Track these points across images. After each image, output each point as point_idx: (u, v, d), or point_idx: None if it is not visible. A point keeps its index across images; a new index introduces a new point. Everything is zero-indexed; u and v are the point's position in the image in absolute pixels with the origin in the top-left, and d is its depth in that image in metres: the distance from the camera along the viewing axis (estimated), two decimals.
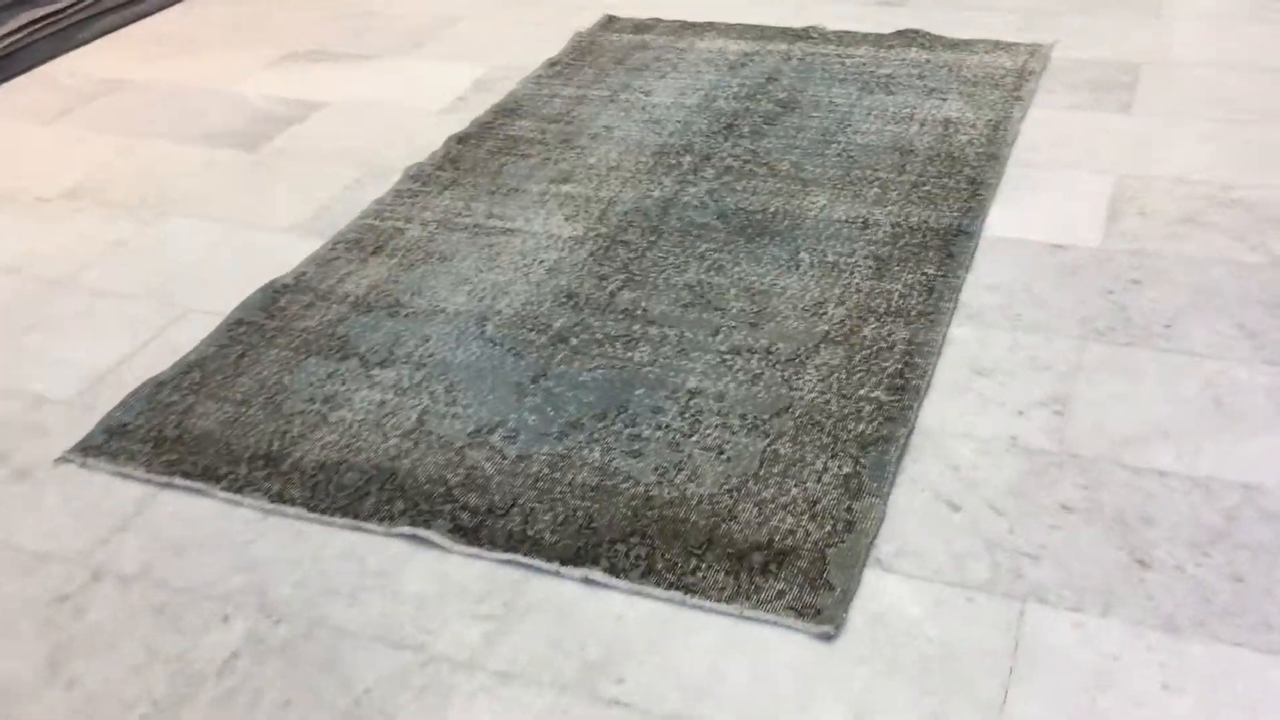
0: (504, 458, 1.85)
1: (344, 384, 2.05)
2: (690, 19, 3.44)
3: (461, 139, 2.86)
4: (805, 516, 1.69)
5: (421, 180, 2.70)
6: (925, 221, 2.36)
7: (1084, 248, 2.23)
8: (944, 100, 2.85)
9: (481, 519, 1.74)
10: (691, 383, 1.98)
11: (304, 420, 1.97)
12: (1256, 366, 1.89)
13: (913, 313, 2.10)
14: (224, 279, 2.39)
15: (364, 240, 2.48)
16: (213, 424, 1.98)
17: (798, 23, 3.35)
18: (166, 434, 1.97)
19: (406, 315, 2.22)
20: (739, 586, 1.59)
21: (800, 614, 1.54)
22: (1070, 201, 2.39)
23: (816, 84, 2.99)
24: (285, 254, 2.45)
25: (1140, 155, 2.53)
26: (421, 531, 1.73)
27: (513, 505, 1.76)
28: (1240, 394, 1.83)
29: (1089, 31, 3.15)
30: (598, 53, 3.28)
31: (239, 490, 1.84)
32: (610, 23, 3.46)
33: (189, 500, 1.83)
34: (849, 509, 1.69)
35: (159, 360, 2.15)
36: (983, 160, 2.57)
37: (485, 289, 2.28)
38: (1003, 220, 2.34)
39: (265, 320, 2.24)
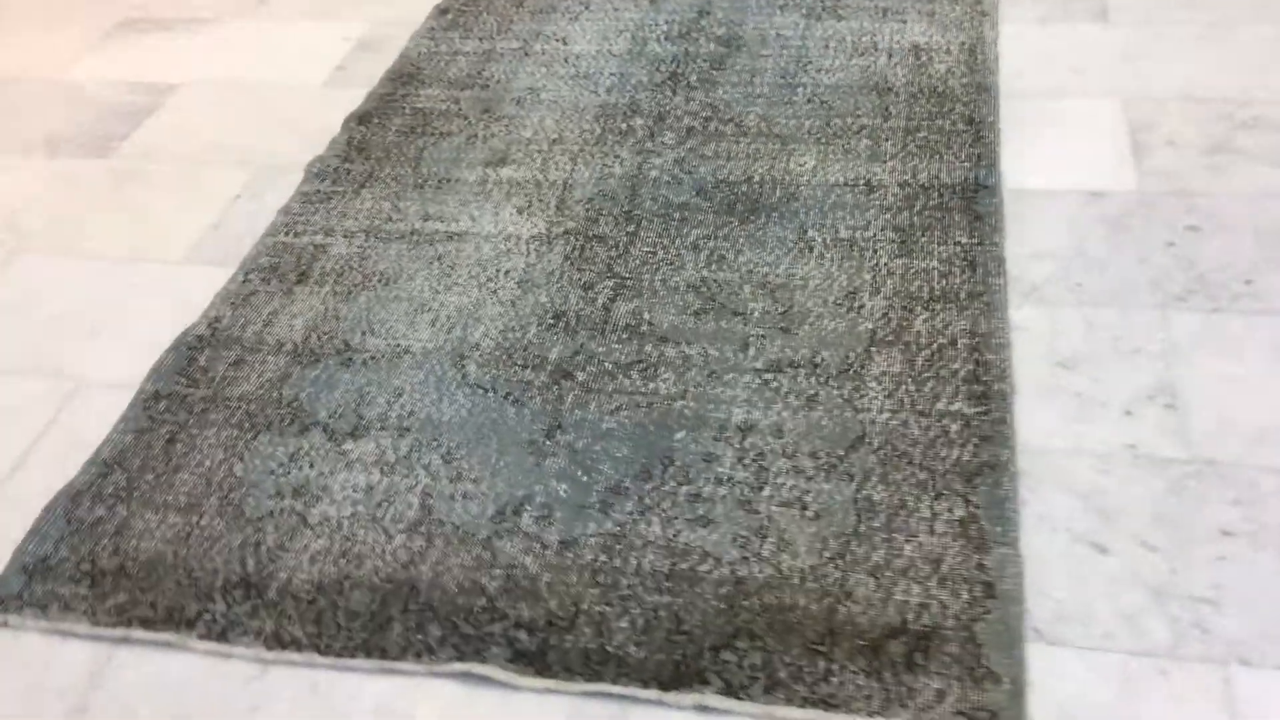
0: (544, 546, 1.52)
1: (313, 467, 1.67)
2: None
3: (362, 119, 2.43)
4: (932, 582, 1.42)
5: (329, 178, 2.27)
6: (936, 177, 2.08)
7: (1122, 193, 2.00)
8: (903, 22, 2.55)
9: (544, 637, 1.42)
10: (738, 416, 1.67)
11: (278, 524, 1.59)
12: None
13: (961, 295, 1.83)
14: (117, 335, 1.94)
15: (281, 265, 2.06)
16: (160, 544, 1.58)
17: None
18: (103, 566, 1.56)
19: (364, 362, 1.84)
20: (887, 692, 1.32)
21: None
22: (1085, 136, 2.14)
23: (755, 14, 2.65)
24: (186, 293, 2.01)
25: (1139, 72, 2.30)
26: (475, 667, 1.39)
27: (577, 613, 1.44)
28: None
29: None
30: None
31: (221, 636, 1.46)
32: None
33: (159, 658, 1.45)
34: (980, 565, 1.43)
35: (64, 460, 1.72)
36: (971, 93, 2.29)
37: (451, 316, 1.90)
38: (1020, 167, 2.08)
39: (188, 389, 1.82)
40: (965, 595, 1.40)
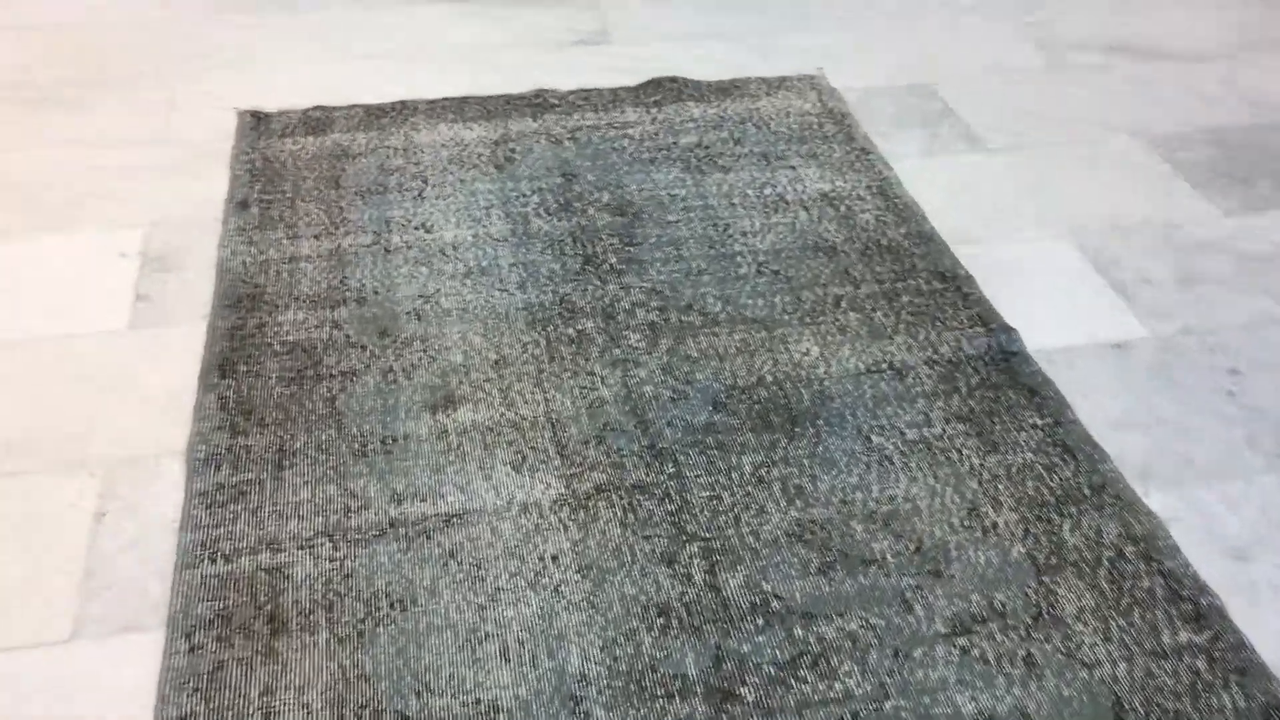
0: None
1: None
2: (364, 99, 2.57)
3: (222, 369, 1.85)
4: None
5: (226, 463, 1.69)
6: (958, 349, 1.90)
7: (1139, 341, 1.93)
8: (793, 169, 2.36)
9: None
10: (967, 707, 1.38)
11: None
12: None
13: (1085, 490, 1.65)
14: None
15: (233, 612, 1.49)
16: None
17: (508, 85, 2.63)
18: None
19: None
20: None
21: None
22: (1059, 280, 2.06)
23: (625, 171, 2.34)
24: (108, 693, 1.39)
25: (1054, 203, 2.27)
26: None
27: None
28: None
29: (832, 51, 2.81)
30: (291, 174, 2.32)
31: None
32: (262, 125, 2.48)
33: None
34: None
35: None
36: (919, 244, 2.14)
37: (522, 641, 1.45)
38: (1025, 325, 1.94)
39: None
40: None
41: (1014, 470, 1.68)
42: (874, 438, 1.73)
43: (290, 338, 1.91)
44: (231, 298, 1.99)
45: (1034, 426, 1.76)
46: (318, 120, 2.49)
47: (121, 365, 1.86)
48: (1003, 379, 1.84)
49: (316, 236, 2.14)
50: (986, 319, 1.96)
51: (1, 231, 2.16)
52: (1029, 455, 1.71)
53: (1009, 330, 1.93)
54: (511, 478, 1.66)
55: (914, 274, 2.07)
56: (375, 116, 2.51)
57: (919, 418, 1.77)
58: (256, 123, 2.48)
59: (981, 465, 1.69)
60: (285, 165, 2.34)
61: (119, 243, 2.13)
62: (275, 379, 1.83)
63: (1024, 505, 1.63)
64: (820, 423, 1.76)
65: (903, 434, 1.74)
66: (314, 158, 2.36)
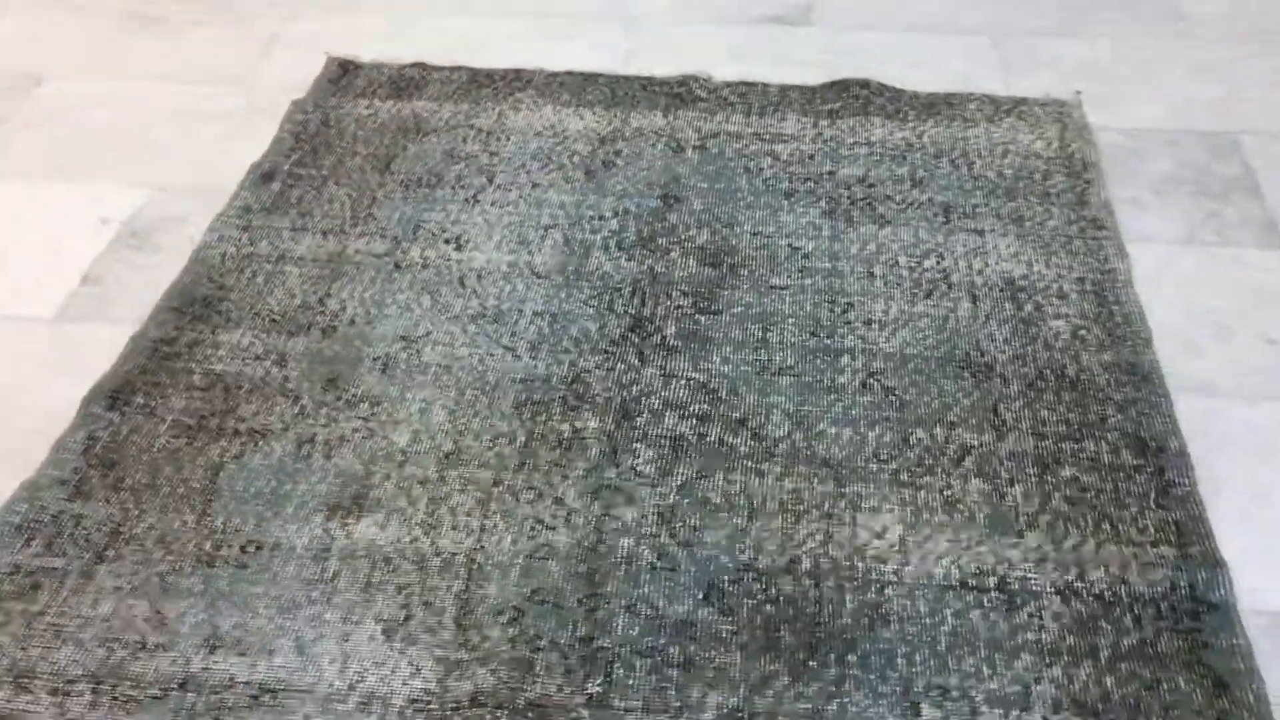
0: None
1: None
2: (478, 63, 2.07)
3: (114, 397, 1.43)
4: None
5: (43, 534, 1.29)
6: (1120, 579, 1.21)
7: None
8: (979, 234, 1.67)
9: None
10: None
11: None
12: None
13: None
14: None
15: None
16: None
17: (659, 66, 2.06)
18: None
19: None
20: None
21: None
22: None
23: (747, 206, 1.73)
24: None
25: None
26: None
27: None
28: None
29: (1104, 68, 2.05)
30: (338, 145, 1.87)
31: None
32: (345, 77, 2.04)
33: None
34: None
35: None
36: (1123, 384, 1.42)
37: None
38: (1244, 558, 1.22)
39: None
40: None
41: None
42: (926, 709, 1.09)
43: (218, 368, 1.47)
44: (183, 299, 1.57)
45: None
46: (410, 80, 2.03)
47: (18, 369, 1.49)
48: (1179, 649, 1.14)
49: (325, 233, 1.69)
50: (1185, 535, 1.25)
51: (11, 171, 1.85)
52: None
53: (1215, 565, 1.21)
54: (373, 646, 1.15)
55: (1099, 431, 1.37)
56: (478, 84, 2.02)
57: (1014, 690, 1.11)
58: (342, 74, 2.05)
59: None
60: (342, 133, 1.90)
61: (111, 204, 1.77)
62: (169, 424, 1.39)
63: None
64: (851, 659, 1.13)
65: (975, 713, 1.09)
66: (379, 128, 1.91)
